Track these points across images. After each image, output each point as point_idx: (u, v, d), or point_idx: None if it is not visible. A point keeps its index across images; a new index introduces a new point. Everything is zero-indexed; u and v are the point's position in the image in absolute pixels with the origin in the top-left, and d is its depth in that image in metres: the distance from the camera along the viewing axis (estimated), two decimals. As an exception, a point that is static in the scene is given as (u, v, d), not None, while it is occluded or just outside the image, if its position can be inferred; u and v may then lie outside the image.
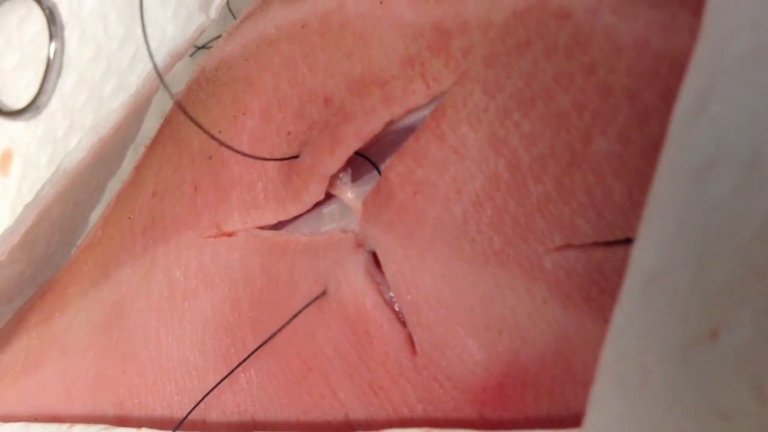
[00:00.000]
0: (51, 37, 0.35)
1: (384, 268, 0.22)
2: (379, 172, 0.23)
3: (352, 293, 0.22)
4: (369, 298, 0.21)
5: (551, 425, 0.20)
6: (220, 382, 0.23)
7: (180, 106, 0.25)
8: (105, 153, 0.29)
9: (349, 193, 0.23)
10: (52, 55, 0.34)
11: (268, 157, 0.23)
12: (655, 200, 0.16)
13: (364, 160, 0.23)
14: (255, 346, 0.23)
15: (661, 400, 0.15)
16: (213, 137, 0.23)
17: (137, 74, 0.29)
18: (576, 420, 0.20)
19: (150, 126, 0.30)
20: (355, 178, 0.23)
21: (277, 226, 0.24)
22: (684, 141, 0.16)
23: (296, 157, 0.23)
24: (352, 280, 0.22)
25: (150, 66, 0.28)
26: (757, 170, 0.15)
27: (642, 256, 0.16)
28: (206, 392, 0.23)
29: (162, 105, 0.33)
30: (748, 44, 0.16)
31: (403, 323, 0.21)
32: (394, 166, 0.22)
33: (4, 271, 0.29)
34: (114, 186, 0.31)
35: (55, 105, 0.35)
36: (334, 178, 0.23)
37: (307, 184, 0.23)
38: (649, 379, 0.15)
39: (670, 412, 0.15)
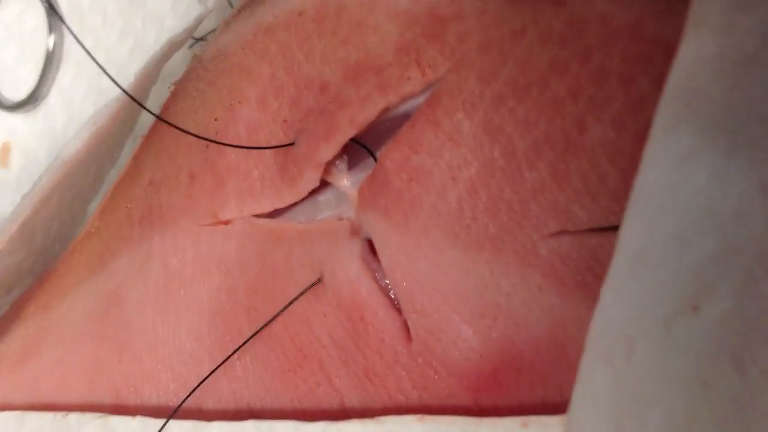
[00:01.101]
0: (50, 29, 0.35)
1: (379, 255, 0.22)
2: (375, 160, 0.23)
3: (348, 281, 0.22)
4: (364, 285, 0.22)
5: (546, 411, 0.20)
6: (216, 369, 0.23)
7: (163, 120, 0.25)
8: (103, 144, 0.29)
9: (345, 181, 0.23)
10: (51, 48, 0.34)
11: (263, 145, 0.23)
12: (641, 185, 0.17)
13: (360, 148, 0.23)
14: (251, 334, 0.23)
15: (646, 370, 0.16)
16: (202, 138, 0.23)
17: (136, 66, 0.29)
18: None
19: (148, 117, 0.30)
20: (350, 166, 0.23)
21: (273, 214, 0.24)
22: (668, 132, 0.17)
23: (292, 144, 0.23)
24: (348, 267, 0.22)
25: (148, 57, 0.28)
26: (734, 156, 0.16)
27: (628, 236, 0.17)
28: (201, 379, 0.23)
29: (160, 96, 0.33)
30: (724, 45, 0.17)
31: (399, 310, 0.21)
32: (390, 154, 0.22)
33: (3, 261, 0.29)
34: (113, 177, 0.31)
35: (54, 97, 0.35)
36: (330, 165, 0.23)
37: (302, 171, 0.23)
38: (634, 350, 0.16)
39: (654, 381, 0.16)
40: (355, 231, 0.23)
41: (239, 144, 0.24)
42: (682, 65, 0.17)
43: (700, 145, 0.17)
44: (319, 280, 0.22)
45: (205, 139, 0.24)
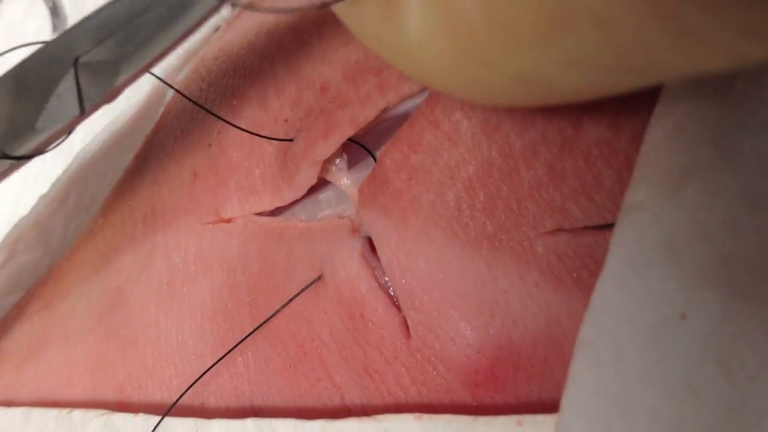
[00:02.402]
0: (54, 30, 0.36)
1: (379, 253, 0.22)
2: (375, 159, 0.23)
3: (348, 278, 0.22)
4: (364, 282, 0.22)
5: (542, 406, 0.20)
6: (216, 363, 0.23)
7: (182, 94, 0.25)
8: (120, 146, 0.29)
9: (345, 179, 0.23)
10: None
11: (265, 145, 0.24)
12: (632, 197, 0.18)
13: (360, 147, 0.23)
14: (252, 330, 0.23)
15: (634, 376, 0.17)
16: (216, 116, 0.23)
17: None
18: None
19: (149, 114, 0.31)
20: (350, 165, 0.24)
21: (275, 212, 0.25)
22: (660, 150, 0.18)
23: (291, 140, 0.23)
24: (348, 264, 0.22)
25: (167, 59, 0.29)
26: (723, 171, 0.17)
27: (619, 244, 0.18)
28: (202, 373, 0.23)
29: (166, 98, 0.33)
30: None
31: (398, 307, 0.22)
32: (390, 153, 0.22)
33: (19, 260, 0.29)
34: (115, 175, 0.31)
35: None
36: (329, 163, 0.23)
37: (299, 167, 0.23)
38: (623, 356, 0.17)
39: (642, 387, 0.17)
40: (355, 229, 0.23)
41: (241, 144, 0.25)
42: (669, 88, 0.18)
43: (691, 162, 0.17)
44: (319, 278, 0.23)
45: (221, 119, 0.24)
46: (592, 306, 0.17)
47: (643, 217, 0.17)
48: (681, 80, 0.18)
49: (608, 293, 0.17)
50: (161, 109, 0.30)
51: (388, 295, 0.22)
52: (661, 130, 0.18)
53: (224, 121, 0.24)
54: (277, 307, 0.23)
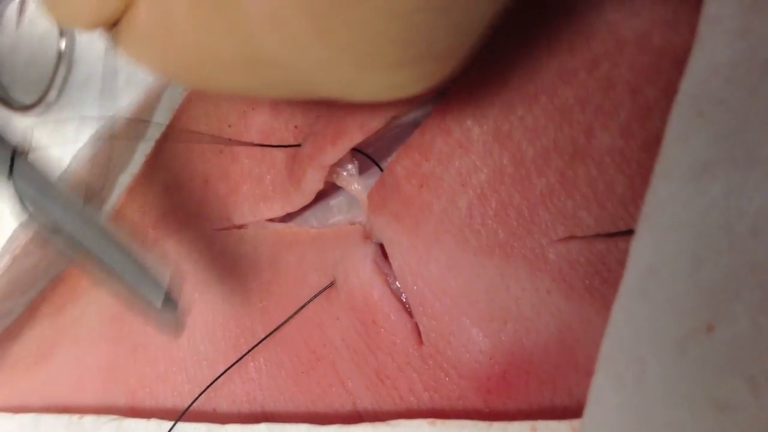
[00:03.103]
0: (61, 32, 0.36)
1: (391, 259, 0.22)
2: (381, 168, 0.23)
3: (360, 284, 0.22)
4: (376, 288, 0.22)
5: (554, 413, 0.20)
6: (229, 368, 0.23)
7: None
8: (117, 148, 0.29)
9: (356, 185, 0.24)
10: (62, 52, 0.35)
11: (275, 152, 0.24)
12: (653, 198, 0.17)
13: (371, 153, 0.23)
14: (264, 336, 0.23)
15: (658, 392, 0.16)
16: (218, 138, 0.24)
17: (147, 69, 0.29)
18: (579, 407, 0.20)
19: (160, 121, 0.31)
20: (362, 171, 0.24)
21: (286, 218, 0.25)
22: (681, 142, 0.17)
23: (299, 146, 0.24)
24: (360, 271, 0.22)
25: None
26: (751, 169, 0.16)
27: (640, 252, 0.17)
28: (214, 379, 0.24)
29: (173, 101, 0.33)
30: (739, 50, 0.16)
31: (410, 313, 0.22)
32: (401, 160, 0.22)
33: (19, 263, 0.29)
34: (124, 181, 0.31)
35: (65, 100, 0.35)
36: (339, 169, 0.23)
37: (305, 171, 0.23)
38: (646, 372, 0.16)
39: (666, 404, 0.16)
40: (367, 235, 0.23)
41: (252, 150, 0.25)
42: (694, 71, 0.17)
43: (715, 157, 0.16)
44: (332, 284, 0.23)
45: (221, 142, 0.24)
46: (614, 319, 0.16)
47: (664, 221, 0.16)
48: (700, 70, 0.17)
49: (629, 305, 0.16)
50: (157, 110, 0.30)
51: (400, 301, 0.22)
52: (683, 121, 0.17)
53: (228, 142, 0.24)
54: (289, 313, 0.23)
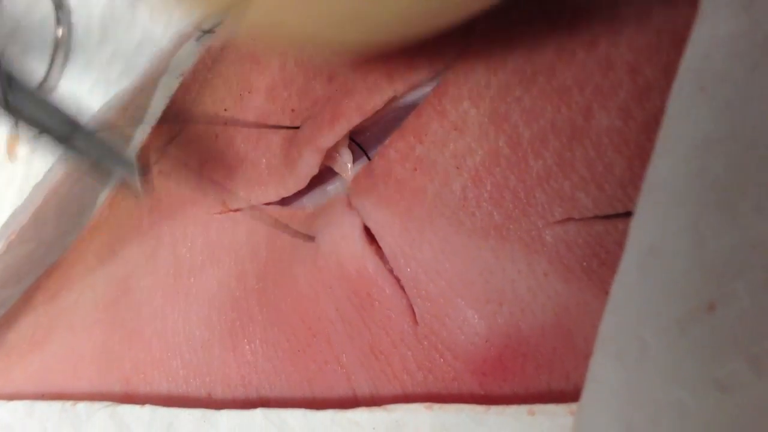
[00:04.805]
0: (58, 21, 0.36)
1: (380, 242, 0.22)
2: (368, 157, 0.23)
3: (352, 256, 0.22)
4: (371, 261, 0.22)
5: (552, 396, 0.20)
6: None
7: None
8: (113, 135, 0.29)
9: (351, 171, 0.23)
10: (59, 40, 0.34)
11: (272, 134, 0.24)
12: (654, 175, 0.16)
13: (363, 139, 0.23)
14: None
15: (659, 372, 0.15)
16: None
17: (144, 57, 0.29)
18: (577, 391, 0.20)
19: (156, 108, 0.31)
20: (355, 159, 0.24)
21: (283, 203, 0.25)
22: (682, 118, 0.16)
23: (297, 128, 0.23)
24: (351, 241, 0.22)
25: (156, 49, 0.29)
26: (754, 147, 0.15)
27: (640, 230, 0.16)
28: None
29: (168, 88, 0.33)
30: (741, 24, 0.16)
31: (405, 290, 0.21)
32: (394, 143, 0.22)
33: (15, 251, 0.29)
34: (122, 169, 0.31)
35: (62, 89, 0.35)
36: (334, 153, 0.23)
37: (301, 153, 0.23)
38: (647, 351, 0.16)
39: (667, 383, 0.15)
40: (351, 205, 0.23)
41: (248, 134, 0.24)
42: (697, 46, 0.16)
43: (716, 133, 0.16)
44: (312, 239, 0.23)
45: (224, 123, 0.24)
46: (613, 297, 0.16)
47: (665, 198, 0.16)
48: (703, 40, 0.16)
49: (630, 284, 0.16)
50: (153, 98, 0.29)
51: (396, 277, 0.22)
52: (684, 95, 0.16)
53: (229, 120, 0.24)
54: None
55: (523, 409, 0.19)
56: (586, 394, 0.17)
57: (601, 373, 0.16)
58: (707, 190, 0.16)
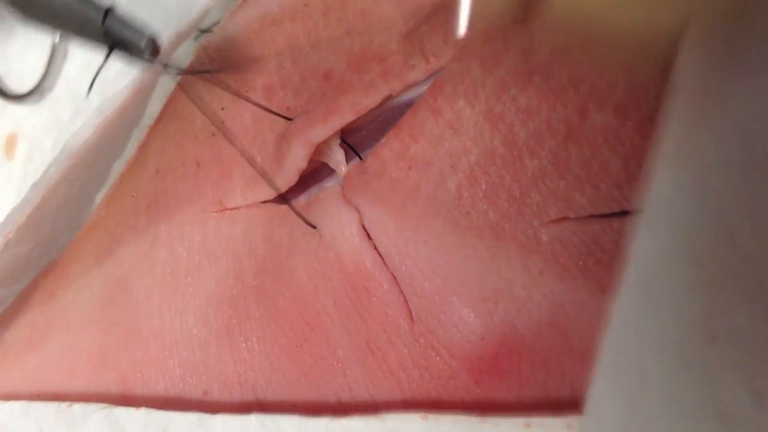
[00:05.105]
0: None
1: (375, 240, 0.22)
2: (360, 157, 0.23)
3: (349, 249, 0.22)
4: (368, 256, 0.22)
5: (547, 395, 0.20)
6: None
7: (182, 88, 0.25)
8: (110, 134, 0.29)
9: (343, 169, 0.23)
10: (57, 40, 0.34)
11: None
12: (652, 199, 0.16)
13: (361, 136, 0.23)
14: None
15: (660, 402, 0.15)
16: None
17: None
18: (572, 393, 0.20)
19: (155, 108, 0.31)
20: (348, 160, 0.24)
21: (279, 201, 0.25)
22: (681, 143, 0.16)
23: (291, 119, 0.23)
24: (348, 235, 0.22)
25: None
26: (755, 171, 0.15)
27: (640, 255, 0.16)
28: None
29: (166, 88, 0.33)
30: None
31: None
32: (389, 142, 0.22)
33: (12, 250, 0.29)
34: (119, 168, 0.31)
35: (60, 89, 0.35)
36: (326, 149, 0.23)
37: (290, 145, 0.23)
38: (647, 382, 0.15)
39: (668, 415, 0.15)
40: (347, 199, 0.23)
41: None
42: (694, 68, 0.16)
43: (715, 158, 0.15)
44: (314, 227, 0.23)
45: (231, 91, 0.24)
46: (613, 324, 0.16)
47: (664, 223, 0.16)
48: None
49: (630, 311, 0.16)
50: (151, 97, 0.30)
51: (393, 273, 0.22)
52: (683, 118, 0.16)
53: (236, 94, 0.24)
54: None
55: (520, 421, 0.19)
56: (586, 423, 0.16)
57: (601, 403, 0.16)
58: (707, 218, 0.15)
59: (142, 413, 0.24)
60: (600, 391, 0.16)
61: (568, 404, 0.20)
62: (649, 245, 0.16)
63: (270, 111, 0.23)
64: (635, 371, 0.15)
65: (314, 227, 0.23)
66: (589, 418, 0.16)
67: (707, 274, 0.15)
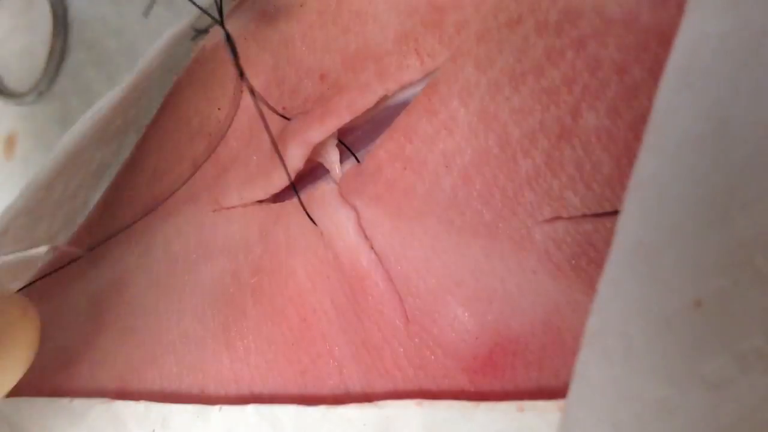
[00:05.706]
0: (54, 22, 0.36)
1: (371, 241, 0.22)
2: (357, 159, 0.23)
3: (346, 248, 0.22)
4: (365, 255, 0.22)
5: (542, 393, 0.20)
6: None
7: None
8: (106, 134, 0.29)
9: (339, 170, 0.24)
10: (57, 38, 0.35)
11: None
12: (640, 172, 0.16)
13: (355, 138, 0.23)
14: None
15: (645, 369, 0.15)
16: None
17: (143, 55, 0.29)
18: (566, 388, 0.20)
19: (151, 107, 0.31)
20: (342, 160, 0.24)
21: (276, 200, 0.25)
22: (669, 115, 0.16)
23: (289, 119, 0.23)
24: (345, 234, 0.22)
25: (154, 47, 0.29)
26: (740, 143, 0.15)
27: (627, 226, 0.16)
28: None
29: (163, 87, 0.33)
30: (729, 21, 0.16)
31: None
32: (384, 143, 0.22)
33: (8, 250, 0.29)
34: (116, 168, 0.32)
35: (60, 87, 0.35)
36: (322, 150, 0.23)
37: (286, 146, 0.23)
38: (633, 348, 0.16)
39: (653, 380, 0.15)
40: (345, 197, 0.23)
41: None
42: (684, 43, 0.16)
43: (703, 130, 0.15)
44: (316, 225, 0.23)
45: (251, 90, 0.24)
46: (600, 294, 0.16)
47: (652, 195, 0.16)
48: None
49: (616, 280, 0.16)
50: (146, 96, 0.30)
51: (388, 272, 0.22)
52: (671, 92, 0.16)
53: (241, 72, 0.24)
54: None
55: (513, 405, 0.19)
56: (573, 392, 0.17)
57: (588, 371, 0.16)
58: (694, 188, 0.15)
59: (141, 406, 0.24)
60: (586, 360, 0.16)
61: (561, 394, 0.20)
62: (636, 215, 0.16)
63: (270, 108, 0.23)
64: (621, 338, 0.16)
65: (316, 225, 0.23)
66: (576, 385, 0.16)
67: (693, 243, 0.15)
